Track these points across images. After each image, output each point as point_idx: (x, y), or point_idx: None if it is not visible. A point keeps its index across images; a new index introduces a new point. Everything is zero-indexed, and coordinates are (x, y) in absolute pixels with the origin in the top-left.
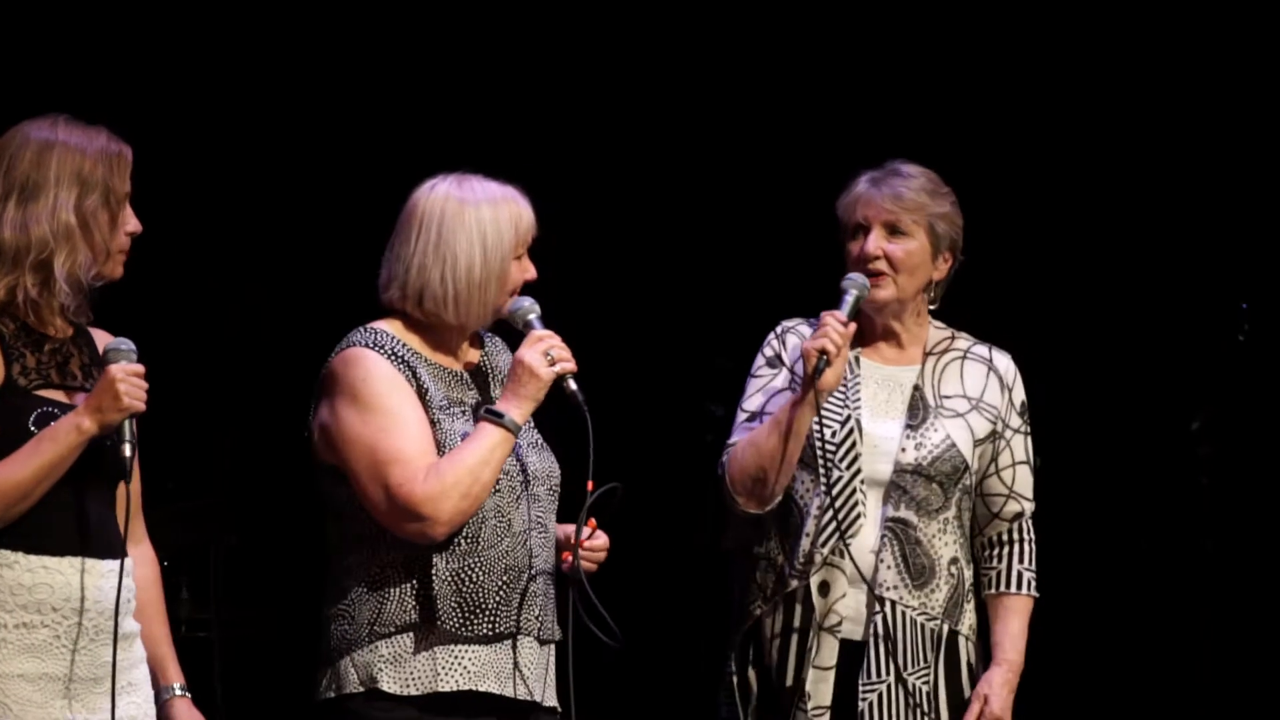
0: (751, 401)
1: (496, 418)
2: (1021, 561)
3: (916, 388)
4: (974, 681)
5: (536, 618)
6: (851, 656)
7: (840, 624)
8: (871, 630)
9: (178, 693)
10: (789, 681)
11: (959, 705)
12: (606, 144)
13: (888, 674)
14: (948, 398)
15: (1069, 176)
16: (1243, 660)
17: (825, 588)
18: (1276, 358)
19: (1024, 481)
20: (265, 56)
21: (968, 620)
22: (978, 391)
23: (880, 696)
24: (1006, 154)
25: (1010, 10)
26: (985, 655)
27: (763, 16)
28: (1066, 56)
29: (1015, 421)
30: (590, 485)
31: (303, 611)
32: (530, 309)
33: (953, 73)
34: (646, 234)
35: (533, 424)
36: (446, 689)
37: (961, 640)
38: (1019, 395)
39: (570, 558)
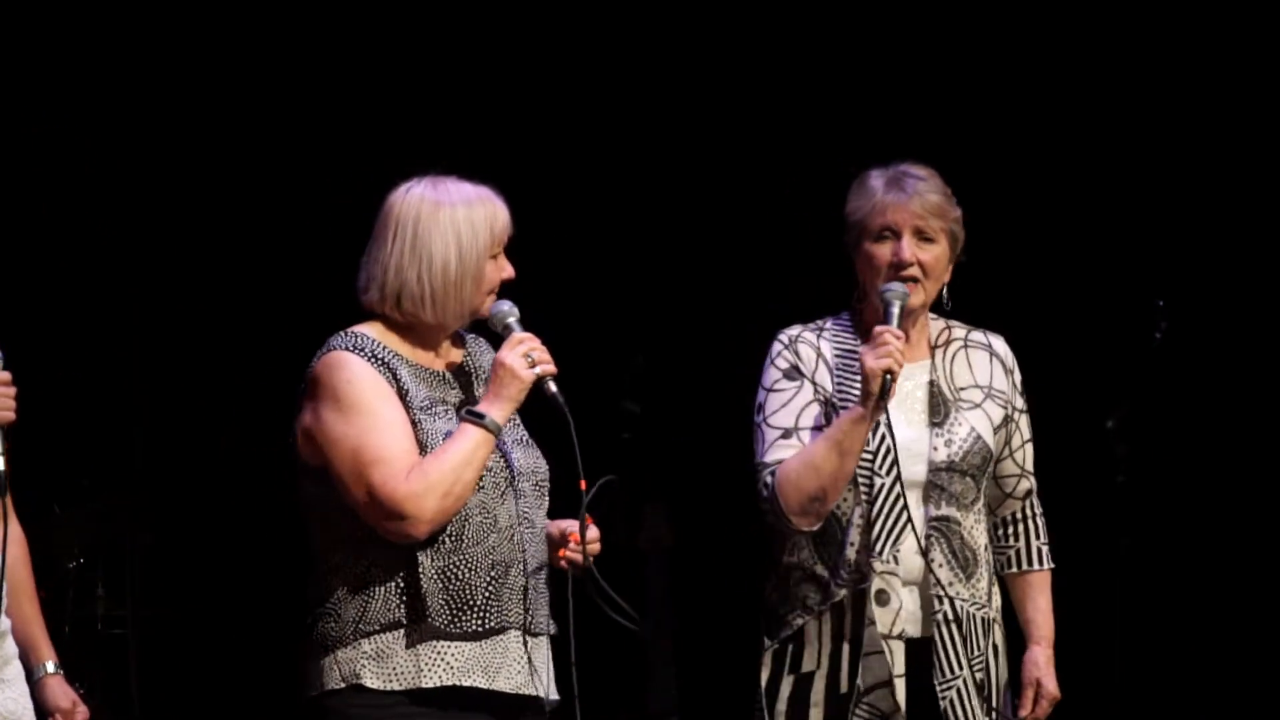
0: (780, 417)
1: (478, 418)
2: (1038, 537)
3: (932, 383)
4: (999, 663)
5: (527, 611)
6: (912, 657)
7: (903, 631)
8: (936, 629)
9: (49, 670)
10: (843, 688)
11: (989, 687)
12: (519, 138)
13: (961, 669)
14: (963, 389)
15: (981, 171)
16: (1156, 658)
17: (883, 596)
18: (1193, 355)
19: (1030, 459)
20: (241, 57)
21: (996, 602)
22: (987, 379)
23: (958, 692)
24: (916, 144)
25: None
26: (1011, 635)
27: (708, 11)
28: (977, 54)
29: (1020, 402)
30: (584, 484)
31: (219, 609)
32: (510, 312)
33: (870, 70)
34: (557, 231)
35: (519, 421)
36: (429, 685)
37: (995, 625)
38: (1018, 376)
39: (566, 553)
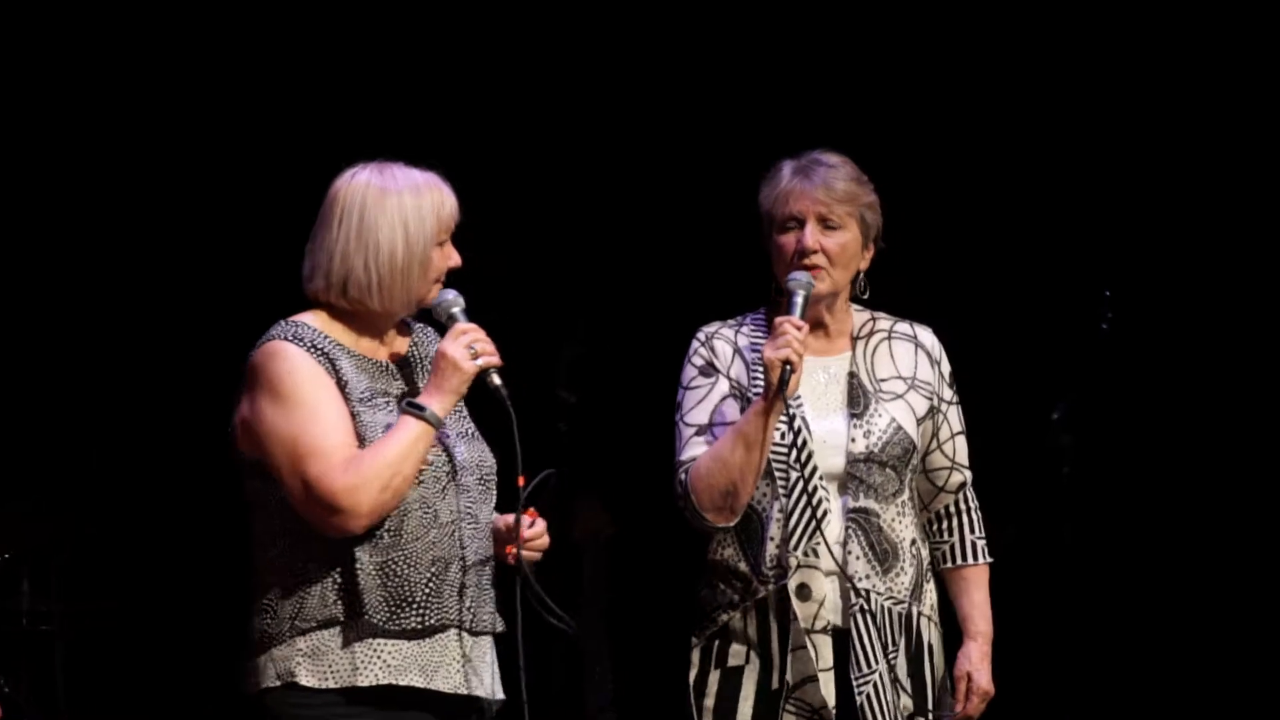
0: (695, 414)
1: (418, 410)
2: (973, 531)
3: (852, 375)
4: (934, 661)
5: (468, 609)
6: (840, 649)
7: (828, 624)
8: (853, 622)
9: None
10: (774, 684)
11: (922, 687)
12: (451, 125)
13: (877, 663)
14: (884, 380)
15: (923, 154)
16: (1100, 650)
17: (804, 590)
18: (1140, 346)
19: (963, 451)
20: (177, 45)
21: (928, 600)
22: (910, 370)
23: (875, 687)
24: (859, 133)
25: None
26: (948, 632)
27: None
28: (929, 35)
29: (947, 394)
30: (521, 480)
31: (149, 604)
32: (454, 301)
33: (814, 54)
34: (490, 217)
35: (465, 413)
36: (365, 683)
37: (923, 621)
38: (946, 367)
39: (510, 549)
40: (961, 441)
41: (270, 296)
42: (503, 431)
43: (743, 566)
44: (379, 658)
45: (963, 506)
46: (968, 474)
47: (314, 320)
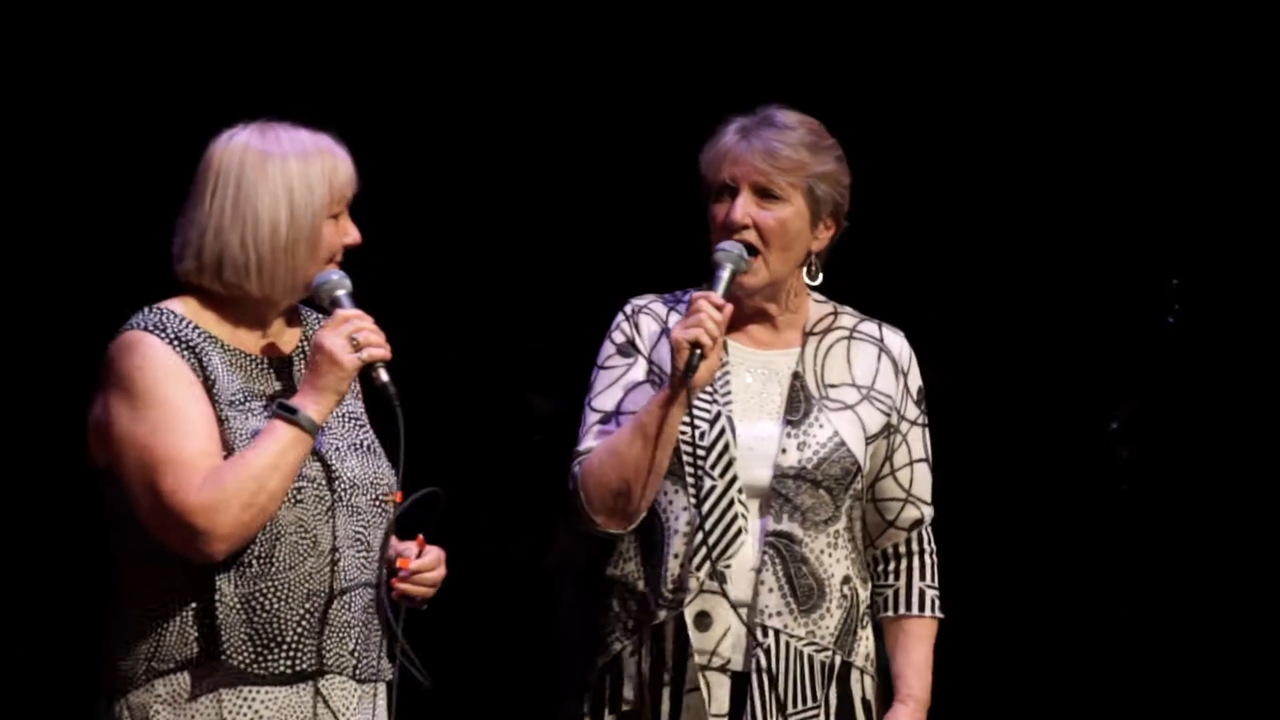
0: (604, 399)
1: (288, 414)
2: (923, 578)
3: (796, 375)
4: None
5: (351, 653)
6: (740, 694)
7: (729, 662)
8: (754, 664)
9: None
10: None
11: None
12: (415, 92)
13: (776, 716)
14: (833, 386)
15: (968, 129)
16: (1166, 690)
17: (704, 620)
18: (1211, 344)
19: (923, 483)
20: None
21: (862, 649)
22: (868, 378)
23: None
24: (892, 104)
25: None
26: (885, 688)
27: None
28: (980, 16)
29: (912, 412)
30: (399, 496)
31: (83, 632)
32: (339, 283)
33: (858, 13)
34: (451, 193)
35: (363, 422)
36: None
37: (854, 673)
38: (915, 381)
39: (396, 584)
40: (923, 471)
41: (139, 279)
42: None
43: (641, 585)
44: (249, 707)
45: (915, 548)
46: (927, 510)
47: (181, 307)
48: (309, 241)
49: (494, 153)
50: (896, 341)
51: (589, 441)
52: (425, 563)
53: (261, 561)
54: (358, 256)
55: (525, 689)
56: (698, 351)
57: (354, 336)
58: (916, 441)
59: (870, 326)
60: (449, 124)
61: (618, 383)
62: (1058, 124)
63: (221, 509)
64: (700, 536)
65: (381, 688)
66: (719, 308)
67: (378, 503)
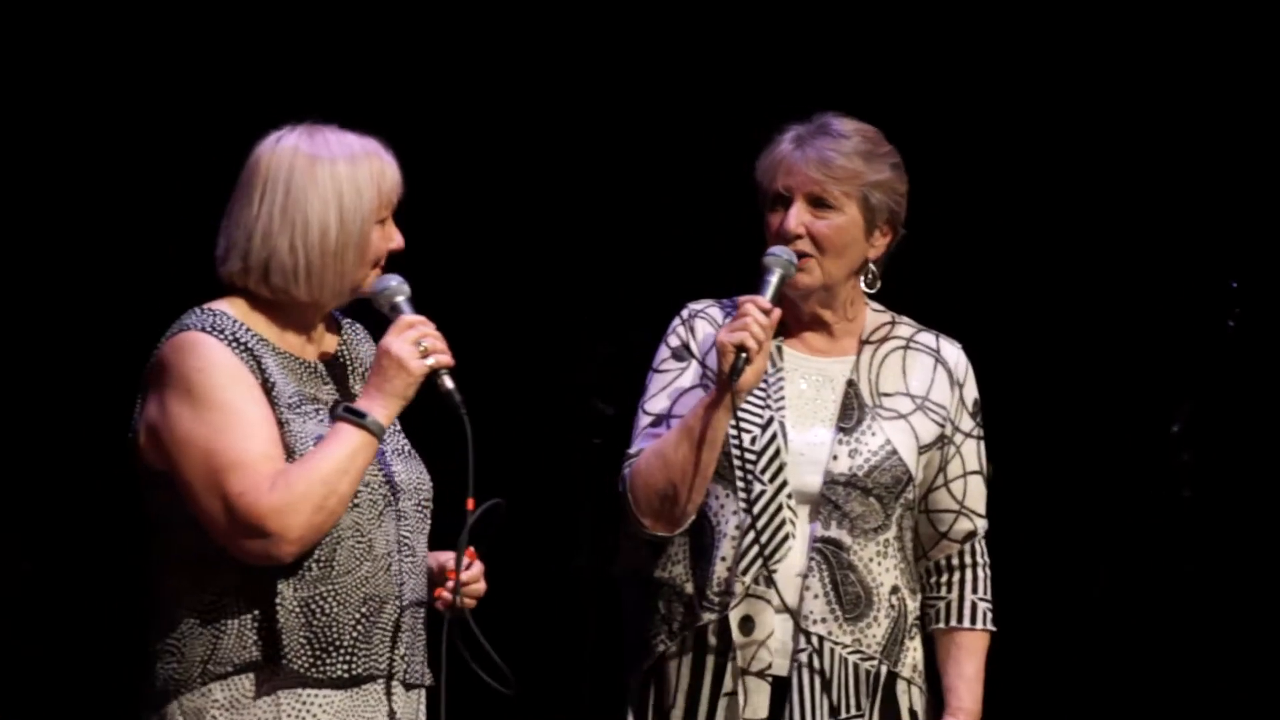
0: (656, 402)
1: (357, 418)
2: (975, 590)
3: (851, 383)
4: None
5: (403, 658)
6: (780, 701)
7: (770, 666)
8: (796, 669)
9: None
10: None
11: None
12: (476, 104)
13: None
14: (888, 395)
15: (1025, 135)
16: (1226, 701)
17: (748, 624)
18: (1272, 347)
19: (976, 495)
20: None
21: (909, 660)
22: (923, 389)
23: None
24: (953, 112)
25: None
26: (934, 700)
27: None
28: (1043, 20)
29: (967, 424)
30: (470, 503)
31: (115, 651)
32: (399, 289)
33: (912, 24)
34: (511, 196)
35: (399, 427)
36: None
37: (901, 684)
38: (971, 393)
39: (442, 593)
40: (977, 483)
41: (174, 281)
42: (460, 446)
43: (688, 588)
44: (307, 711)
45: (967, 560)
46: (980, 523)
47: (232, 309)
48: (358, 246)
49: (559, 154)
50: (953, 353)
51: (639, 444)
52: (472, 574)
53: (321, 565)
54: (423, 260)
55: (582, 696)
56: (743, 355)
57: (420, 342)
58: (971, 454)
59: (927, 337)
60: (511, 125)
61: (670, 386)
62: (1117, 129)
63: (293, 512)
64: (749, 540)
65: (423, 693)
66: (766, 312)
67: (420, 508)
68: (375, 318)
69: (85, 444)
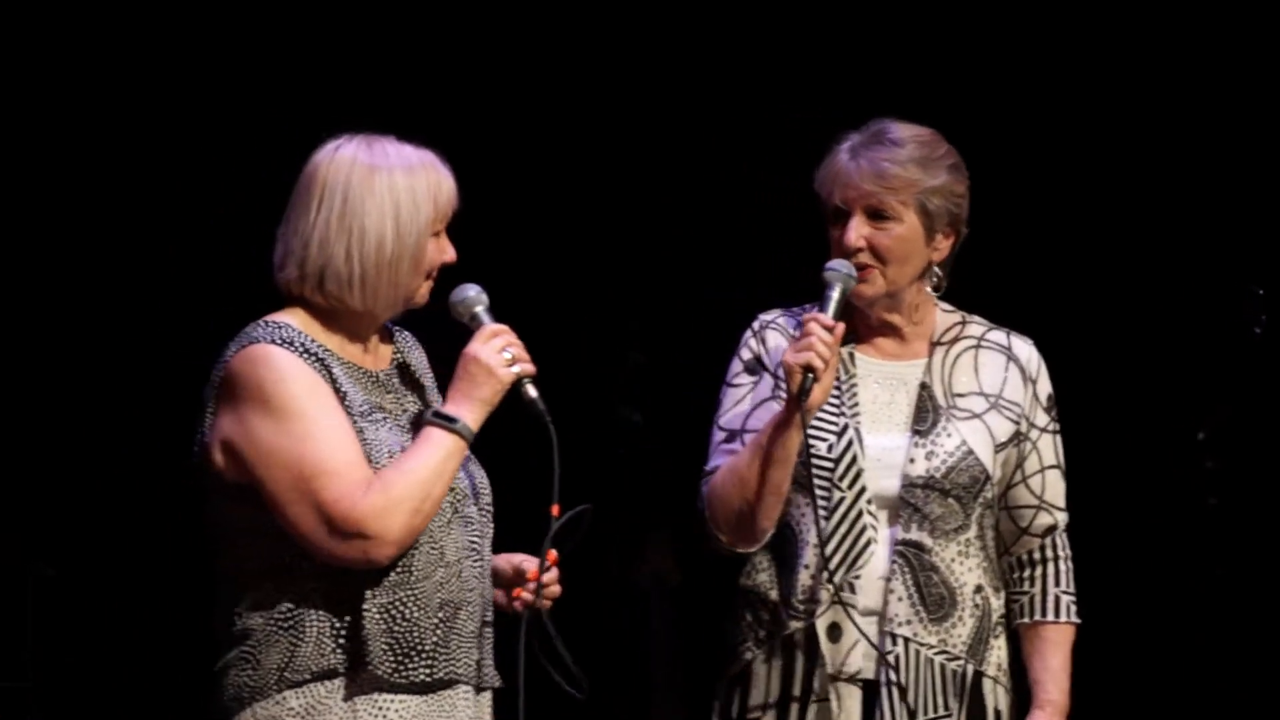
0: (730, 418)
1: (448, 422)
2: (1058, 584)
3: (924, 386)
4: None
5: (477, 662)
6: (869, 701)
7: (859, 671)
8: (885, 673)
9: None
10: None
11: None
12: (508, 111)
13: None
14: (961, 395)
15: (1050, 141)
16: (1260, 711)
17: (835, 630)
18: None
19: (1055, 488)
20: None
21: (994, 658)
22: (996, 386)
23: None
24: (976, 117)
25: None
26: (1019, 696)
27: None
28: (1080, 30)
29: (1042, 419)
30: (556, 509)
31: (136, 658)
32: (478, 299)
33: (955, 30)
34: (539, 205)
35: None
36: None
37: (987, 683)
38: (1044, 388)
39: (522, 594)
40: (1055, 477)
41: (174, 282)
42: (541, 453)
43: (773, 596)
44: (383, 716)
45: (1049, 554)
46: (1060, 516)
47: (294, 320)
48: (413, 258)
49: (583, 162)
50: (1025, 349)
51: (715, 460)
52: (550, 576)
53: (399, 571)
54: (450, 267)
55: (609, 705)
56: (810, 375)
57: (507, 350)
58: (1047, 448)
59: (998, 335)
60: (539, 130)
61: (743, 400)
62: (1141, 136)
63: (392, 514)
64: (831, 547)
65: (491, 695)
66: (829, 329)
67: (484, 512)
68: (423, 324)
69: (84, 444)
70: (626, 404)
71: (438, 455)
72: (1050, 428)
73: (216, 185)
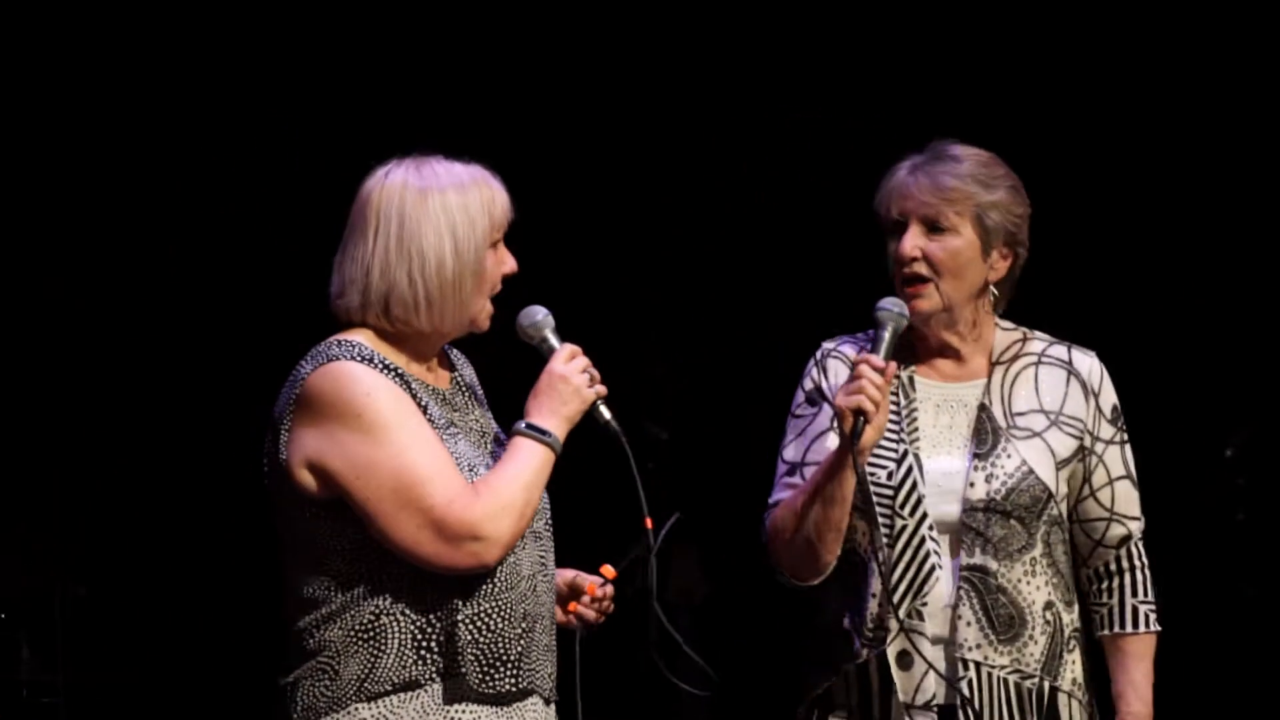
0: (792, 449)
1: (540, 434)
2: (1135, 594)
3: (983, 407)
4: None
5: (549, 675)
6: None
7: (934, 698)
8: (959, 697)
9: None
10: None
11: None
12: (517, 123)
13: None
14: (1020, 414)
15: (1083, 158)
16: None
17: (905, 658)
18: None
19: (1126, 499)
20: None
21: (1069, 674)
22: (1056, 403)
23: None
24: (1010, 127)
25: None
26: (1100, 709)
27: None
28: (1121, 48)
29: (1106, 431)
30: (649, 521)
31: (164, 673)
32: (546, 321)
33: (955, 30)
34: (558, 219)
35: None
36: None
37: (1062, 698)
38: (1108, 399)
39: (579, 609)
40: (1125, 488)
41: (174, 282)
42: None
43: (845, 624)
44: None
45: (1125, 565)
46: (1133, 526)
47: (365, 339)
48: (475, 274)
49: (583, 161)
50: (1086, 362)
51: (778, 493)
52: (607, 591)
53: (485, 582)
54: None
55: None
56: (861, 419)
57: (588, 370)
58: (1115, 460)
59: (1059, 350)
60: (567, 145)
61: (805, 432)
62: (1147, 145)
63: (504, 517)
64: (896, 576)
65: (554, 709)
66: (880, 370)
67: (549, 526)
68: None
69: (113, 464)
70: (652, 419)
71: (534, 464)
72: (1117, 439)
73: (216, 185)
